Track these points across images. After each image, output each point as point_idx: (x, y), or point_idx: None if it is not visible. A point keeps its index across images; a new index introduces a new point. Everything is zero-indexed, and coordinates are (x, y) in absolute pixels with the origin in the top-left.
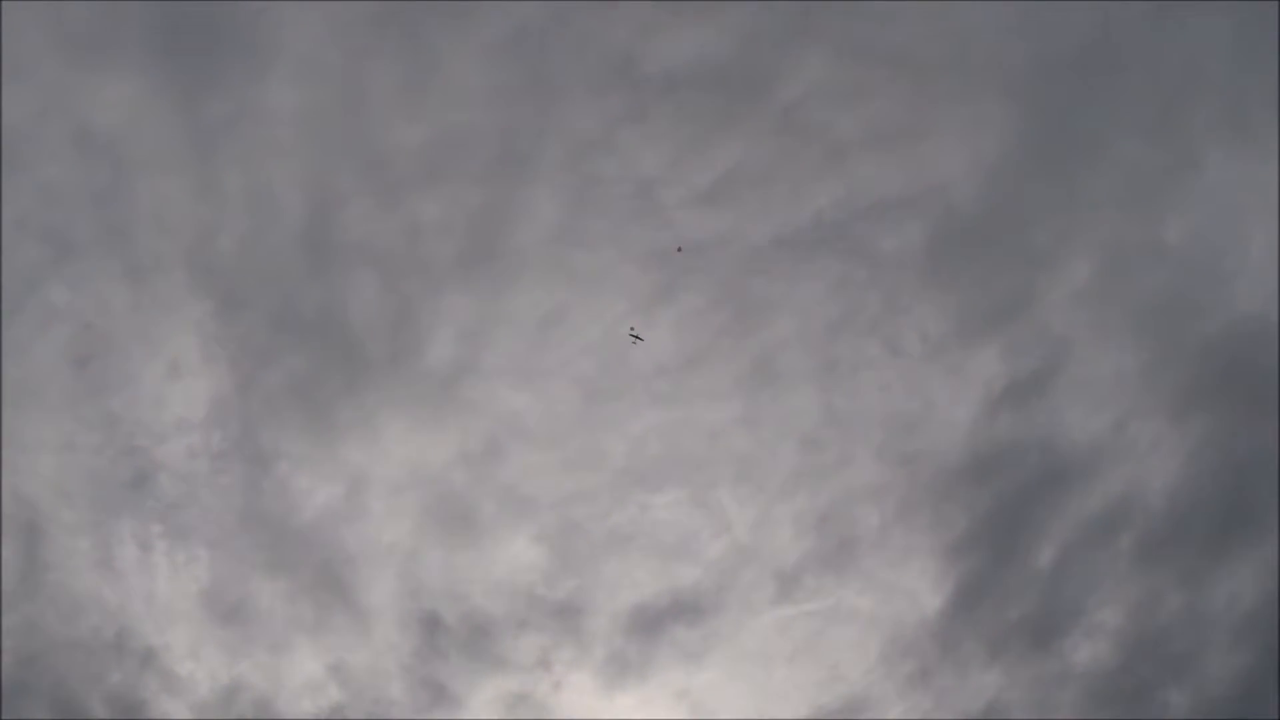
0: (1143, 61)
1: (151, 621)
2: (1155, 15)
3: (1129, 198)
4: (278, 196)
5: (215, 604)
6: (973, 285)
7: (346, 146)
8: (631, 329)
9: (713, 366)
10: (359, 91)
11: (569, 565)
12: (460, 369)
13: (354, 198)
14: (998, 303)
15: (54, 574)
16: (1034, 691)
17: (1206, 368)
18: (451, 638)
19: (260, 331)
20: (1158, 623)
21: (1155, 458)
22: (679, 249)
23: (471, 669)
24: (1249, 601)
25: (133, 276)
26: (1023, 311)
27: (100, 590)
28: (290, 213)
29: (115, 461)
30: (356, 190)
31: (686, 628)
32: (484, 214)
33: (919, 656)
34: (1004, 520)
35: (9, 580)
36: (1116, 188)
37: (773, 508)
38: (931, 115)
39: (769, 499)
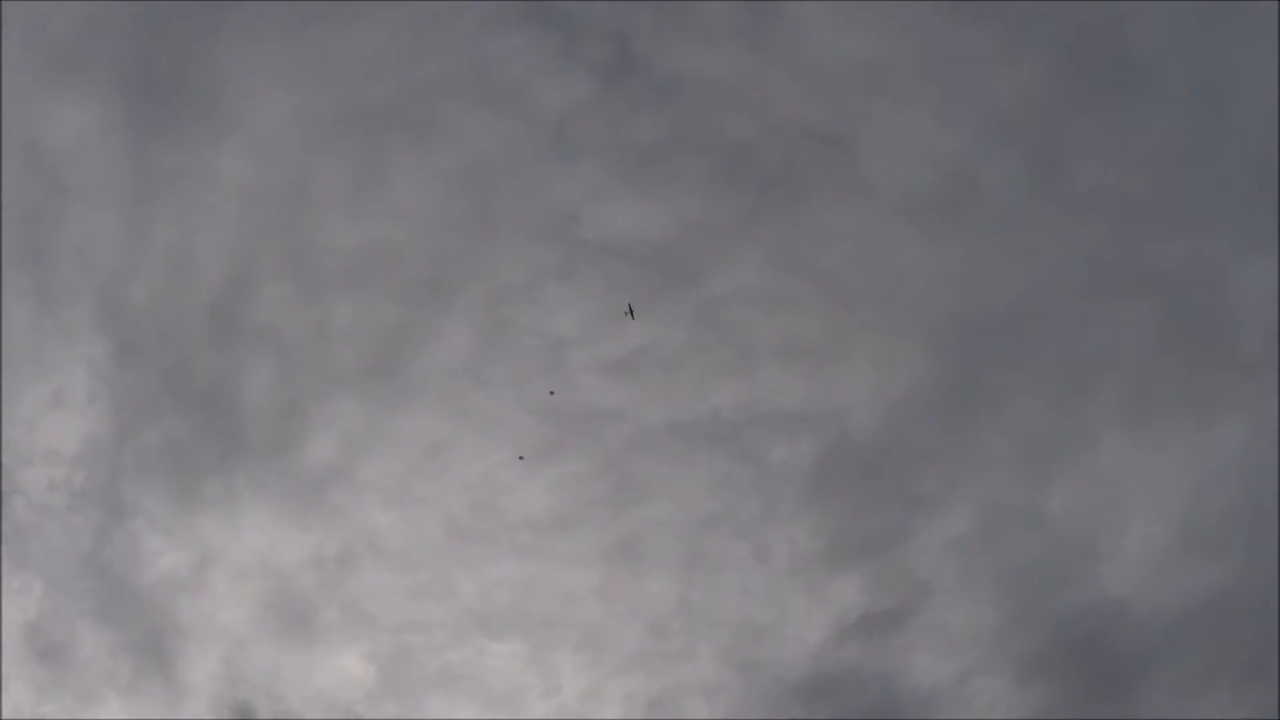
0: (1063, 334)
1: None
2: (1083, 294)
3: (1020, 461)
4: (200, 261)
5: (36, 639)
6: (850, 512)
7: (279, 231)
8: (520, 457)
9: (580, 532)
10: (305, 182)
11: (394, 691)
12: (334, 474)
13: (274, 282)
14: (870, 535)
15: None
16: None
17: (1060, 640)
18: None
19: (150, 385)
20: None
21: (991, 715)
22: (520, 458)
23: None
24: None
25: (40, 297)
26: (893, 548)
27: None
28: (208, 279)
29: None
30: (278, 276)
31: None
32: (395, 331)
33: None
34: None
35: None
36: (1010, 449)
37: (607, 682)
38: (846, 341)
39: (605, 673)
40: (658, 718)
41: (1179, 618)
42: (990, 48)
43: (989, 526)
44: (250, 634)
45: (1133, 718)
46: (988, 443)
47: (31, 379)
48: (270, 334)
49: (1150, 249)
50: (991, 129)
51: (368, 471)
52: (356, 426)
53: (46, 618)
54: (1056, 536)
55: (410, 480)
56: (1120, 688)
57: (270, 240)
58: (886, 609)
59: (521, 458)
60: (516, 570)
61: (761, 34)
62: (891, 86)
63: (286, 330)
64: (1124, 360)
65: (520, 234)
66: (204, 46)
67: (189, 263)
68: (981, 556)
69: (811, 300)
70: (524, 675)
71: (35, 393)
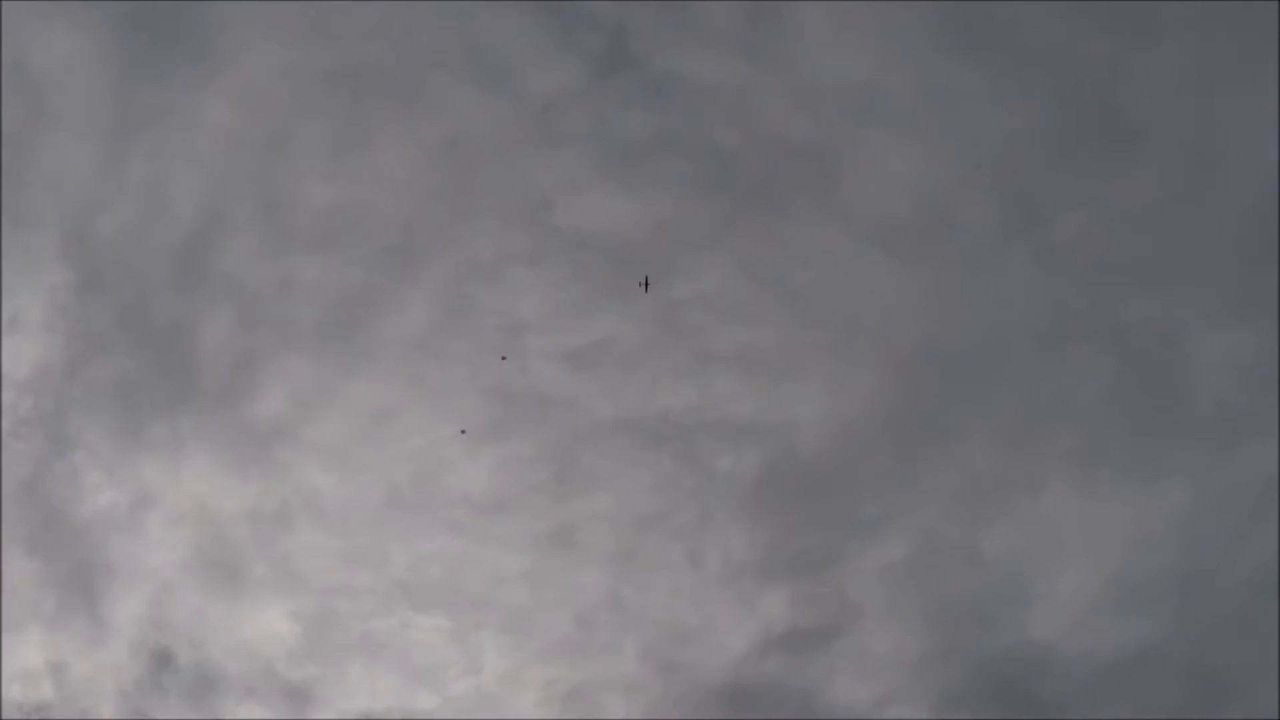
0: (1020, 378)
1: None
2: (1045, 342)
3: (962, 497)
4: (173, 202)
5: None
6: (788, 527)
7: (255, 181)
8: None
9: (517, 516)
10: (286, 136)
11: (315, 652)
12: (280, 430)
13: (243, 232)
14: (805, 552)
15: None
16: None
17: (980, 678)
18: (178, 680)
19: (108, 320)
20: None
21: None
22: (462, 431)
23: (186, 717)
24: None
25: (9, 219)
26: (826, 568)
27: None
28: (178, 221)
29: None
30: (248, 226)
31: None
32: (357, 294)
33: None
34: None
35: None
36: (954, 484)
37: (527, 667)
38: (804, 359)
39: (526, 658)
40: (574, 709)
41: (1102, 670)
42: (985, 88)
43: (924, 558)
44: (179, 580)
45: None
46: (933, 475)
47: None
48: (233, 283)
49: (1117, 305)
50: (976, 168)
51: (314, 431)
52: (308, 385)
53: None
54: (990, 576)
55: (355, 445)
56: None
57: (244, 190)
58: (813, 626)
59: (464, 431)
60: (450, 546)
61: (760, 44)
62: (882, 113)
63: (250, 281)
64: (1077, 411)
65: (493, 213)
66: None
67: (161, 202)
68: (913, 586)
69: (774, 314)
70: (446, 651)
71: None
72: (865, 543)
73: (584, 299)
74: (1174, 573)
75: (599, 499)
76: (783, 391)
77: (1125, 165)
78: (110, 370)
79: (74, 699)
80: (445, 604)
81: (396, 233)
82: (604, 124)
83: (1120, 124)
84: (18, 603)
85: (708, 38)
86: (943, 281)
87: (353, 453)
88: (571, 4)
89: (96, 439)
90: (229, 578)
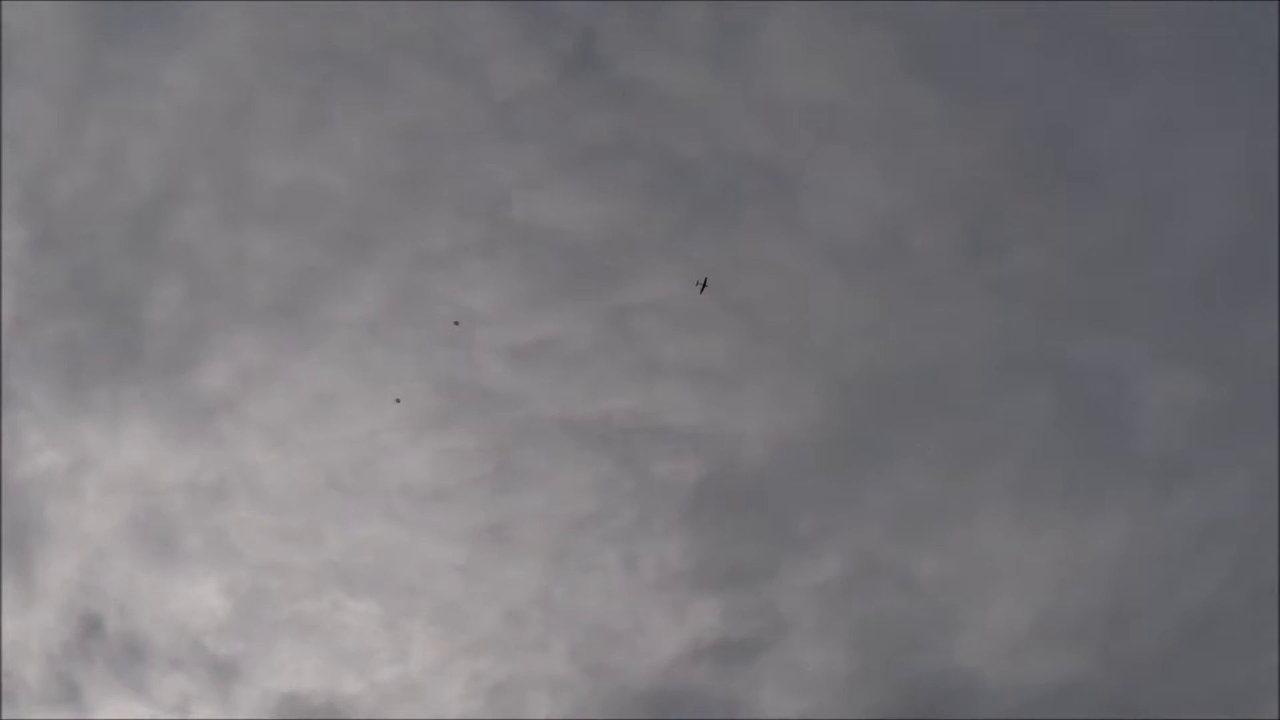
0: (964, 407)
1: None
2: (990, 372)
3: (898, 521)
4: (132, 167)
5: None
6: (724, 538)
7: (214, 154)
8: (397, 399)
9: (453, 508)
10: (248, 110)
11: (244, 628)
12: (223, 403)
13: (199, 203)
14: (740, 564)
15: None
16: None
17: (905, 701)
18: (106, 647)
19: (59, 281)
20: None
21: None
22: (398, 400)
23: (111, 685)
24: None
25: None
26: (759, 582)
27: None
28: (136, 187)
29: None
30: (205, 197)
31: None
32: (309, 274)
33: None
34: None
35: None
36: (891, 508)
37: (454, 660)
38: (750, 372)
39: (454, 650)
40: (499, 704)
41: (1027, 700)
42: (949, 119)
43: (857, 578)
44: (112, 547)
45: None
46: (871, 497)
47: None
48: (186, 253)
49: (1064, 342)
50: (934, 196)
51: (257, 408)
52: (254, 362)
53: None
54: (921, 600)
55: (297, 424)
56: None
57: (203, 160)
58: (743, 638)
59: (399, 400)
60: (385, 532)
61: (727, 56)
62: (844, 135)
63: (203, 253)
64: (1018, 443)
65: (450, 204)
66: None
67: (119, 167)
68: (844, 605)
69: (723, 325)
70: (375, 637)
71: None
72: (800, 559)
73: (535, 295)
74: (1103, 610)
75: (537, 496)
76: (727, 403)
77: (1082, 205)
78: (57, 331)
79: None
80: (377, 590)
81: (352, 215)
82: (566, 124)
83: (1079, 164)
84: None
85: (676, 46)
86: (893, 305)
87: (294, 432)
88: (544, 3)
89: (39, 399)
90: (163, 548)
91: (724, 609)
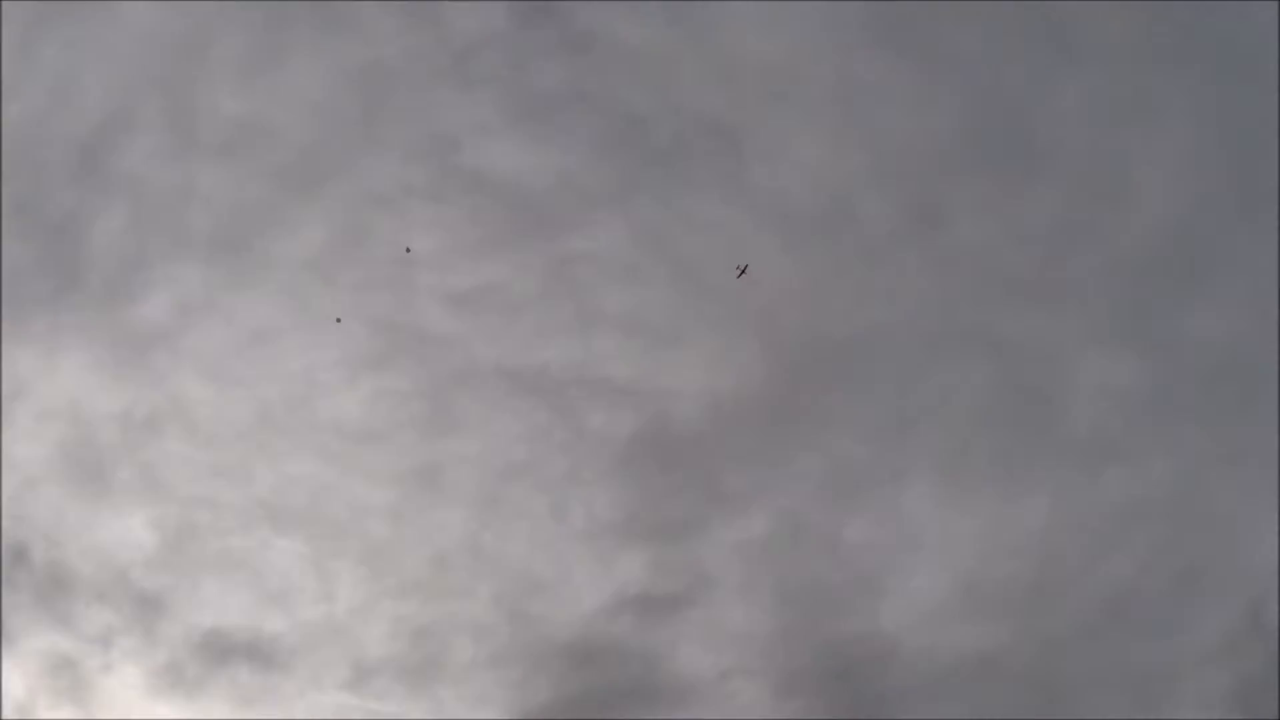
0: (898, 376)
1: None
2: (926, 342)
3: (827, 484)
4: (82, 94)
5: None
6: (653, 493)
7: (165, 84)
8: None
9: (386, 450)
10: (201, 42)
11: (171, 563)
12: (161, 335)
13: (147, 133)
14: (668, 518)
15: None
16: None
17: (826, 661)
18: (29, 576)
19: (1, 206)
20: None
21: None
22: (338, 320)
23: (33, 614)
24: None
25: None
26: (686, 538)
27: None
28: (84, 115)
29: None
30: (153, 127)
31: (251, 672)
32: (253, 208)
33: None
34: (580, 710)
35: None
36: (820, 470)
37: (380, 601)
38: (688, 329)
39: (380, 591)
40: (422, 646)
41: (946, 667)
42: (903, 88)
43: (783, 538)
44: (42, 476)
45: None
46: (801, 459)
47: None
48: (132, 182)
49: (1003, 317)
50: (881, 165)
51: (194, 341)
52: (193, 295)
53: None
54: (845, 563)
55: (233, 360)
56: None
57: (154, 91)
58: (666, 593)
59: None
60: (316, 471)
61: (686, 12)
62: (796, 98)
63: (149, 183)
64: (949, 414)
65: (399, 146)
66: None
67: (69, 94)
68: (769, 565)
69: (664, 281)
70: (301, 576)
71: None
72: (727, 517)
73: (478, 240)
74: (1026, 584)
75: (469, 442)
76: (663, 358)
77: (1030, 184)
78: None
79: None
80: (305, 529)
81: (299, 152)
82: (519, 72)
83: (1030, 143)
84: None
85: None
86: (834, 271)
87: (230, 367)
88: None
89: None
90: (93, 479)
91: (650, 562)
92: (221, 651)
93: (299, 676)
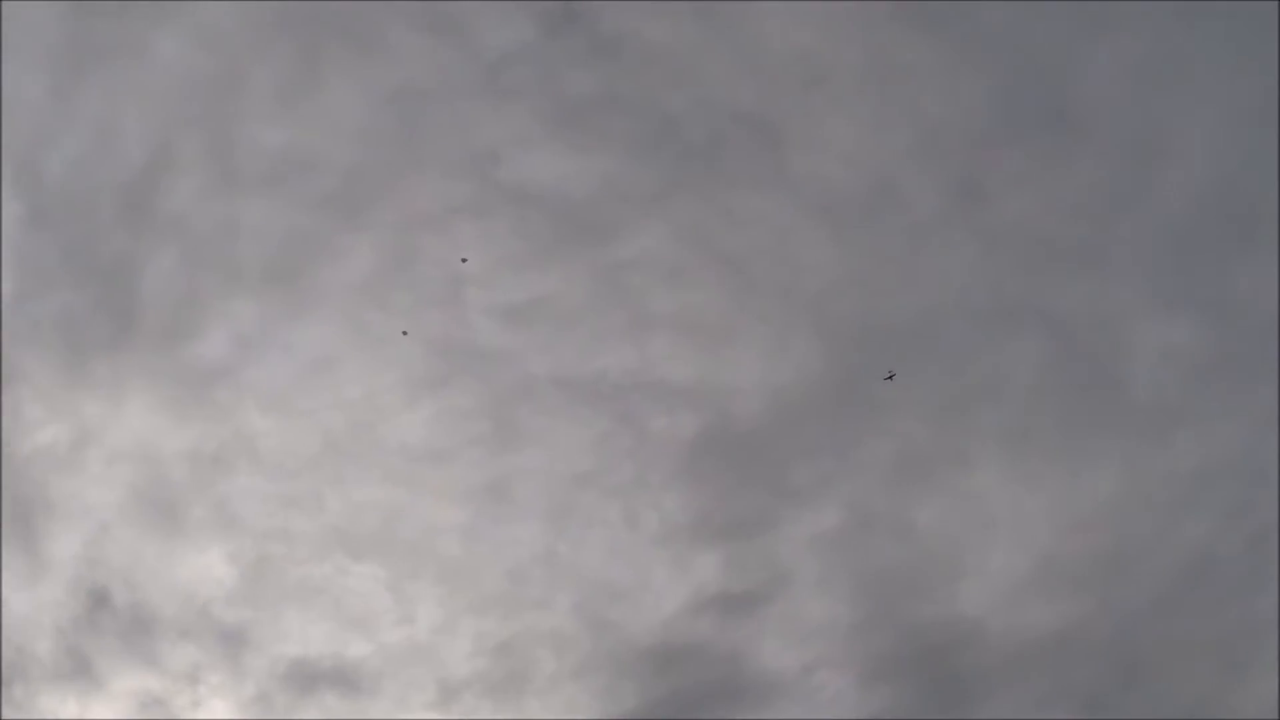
0: (955, 356)
1: None
2: (981, 320)
3: (895, 470)
4: (123, 139)
5: None
6: (722, 492)
7: (205, 121)
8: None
9: (453, 468)
10: (238, 76)
11: (251, 596)
12: (222, 372)
13: (191, 171)
14: (739, 516)
15: None
16: None
17: (908, 648)
18: (114, 619)
19: (54, 255)
20: None
21: (832, 711)
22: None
23: (122, 656)
24: None
25: None
26: (759, 534)
27: None
28: (128, 158)
29: None
30: (196, 166)
31: (338, 698)
32: (302, 239)
33: None
34: (668, 713)
35: None
36: (887, 457)
37: (461, 619)
38: (742, 325)
39: (460, 609)
40: (505, 661)
41: (1026, 645)
42: (937, 67)
43: (856, 528)
44: (117, 519)
45: None
46: (866, 447)
47: None
48: (180, 222)
49: (1054, 289)
50: (921, 144)
51: (255, 375)
52: (250, 328)
53: None
54: (920, 548)
55: (295, 390)
56: (961, 702)
57: (194, 129)
58: (744, 591)
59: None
60: (386, 495)
61: (710, 6)
62: (832, 85)
63: (196, 221)
64: (1010, 391)
65: (440, 165)
66: None
67: (111, 138)
68: (844, 555)
69: (714, 279)
70: (380, 600)
71: None
72: (798, 511)
73: (526, 255)
74: (1098, 556)
75: (534, 454)
76: (720, 356)
77: (1071, 152)
78: (54, 305)
79: (10, 635)
80: (380, 552)
81: (343, 178)
82: (552, 81)
83: (1069, 111)
84: None
85: None
86: (882, 255)
87: (292, 398)
88: None
89: (39, 374)
90: (167, 519)
91: (725, 561)
92: (308, 680)
93: (386, 699)
